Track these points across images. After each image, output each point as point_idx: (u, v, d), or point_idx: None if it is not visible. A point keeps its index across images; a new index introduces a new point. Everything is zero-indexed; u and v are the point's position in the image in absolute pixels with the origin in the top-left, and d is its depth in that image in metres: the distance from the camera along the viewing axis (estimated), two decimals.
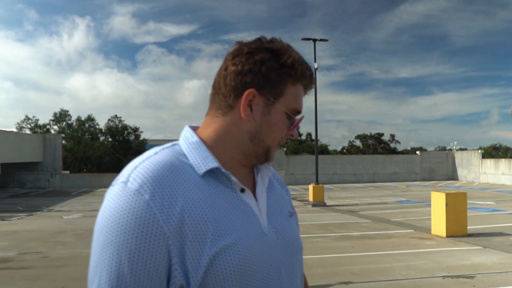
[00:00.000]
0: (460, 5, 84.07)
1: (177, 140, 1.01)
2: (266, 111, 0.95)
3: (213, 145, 0.96)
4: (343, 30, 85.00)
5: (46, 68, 74.88)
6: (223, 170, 0.92)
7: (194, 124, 1.04)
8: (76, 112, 73.31)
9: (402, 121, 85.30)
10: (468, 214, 10.10)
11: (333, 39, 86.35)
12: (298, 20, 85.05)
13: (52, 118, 41.22)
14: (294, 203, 7.67)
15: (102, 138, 41.03)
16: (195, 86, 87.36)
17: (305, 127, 54.32)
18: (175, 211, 0.83)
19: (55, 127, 40.87)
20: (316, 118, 20.67)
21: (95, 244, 0.85)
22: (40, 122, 40.89)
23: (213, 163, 0.91)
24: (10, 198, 22.42)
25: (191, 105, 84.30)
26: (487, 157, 37.65)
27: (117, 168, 36.62)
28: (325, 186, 21.90)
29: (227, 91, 0.95)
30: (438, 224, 9.94)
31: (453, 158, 36.35)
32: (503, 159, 31.74)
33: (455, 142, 39.70)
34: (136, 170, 0.87)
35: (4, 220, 13.43)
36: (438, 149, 55.98)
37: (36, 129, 39.89)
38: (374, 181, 34.73)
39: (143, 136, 42.64)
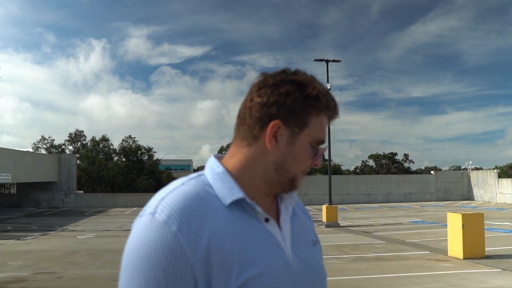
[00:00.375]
0: (472, 24, 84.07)
1: (189, 159, 1.01)
2: (291, 142, 0.96)
3: (238, 175, 0.97)
4: (355, 50, 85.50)
5: (62, 89, 76.47)
6: (248, 200, 0.93)
7: (219, 154, 1.05)
8: (91, 133, 74.50)
9: (415, 141, 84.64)
10: (485, 235, 9.89)
11: (345, 60, 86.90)
12: (310, 41, 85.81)
13: (68, 138, 41.90)
14: None
15: (116, 158, 41.40)
16: (208, 107, 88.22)
17: None
18: (202, 242, 0.84)
19: (70, 147, 41.50)
20: (330, 138, 20.63)
21: (123, 274, 0.86)
22: (56, 143, 41.57)
23: (238, 194, 0.92)
24: (25, 217, 22.62)
25: (204, 126, 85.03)
26: (504, 177, 37.00)
27: (131, 188, 36.86)
28: (339, 206, 21.70)
29: (253, 122, 0.96)
30: (455, 246, 9.75)
31: (469, 178, 35.81)
32: None
33: (470, 162, 39.25)
34: (163, 201, 0.88)
35: (19, 240, 13.53)
36: (452, 168, 55.31)
37: (51, 149, 40.48)
38: (388, 201, 34.30)
39: (156, 156, 42.94)
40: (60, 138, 66.68)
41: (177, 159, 66.67)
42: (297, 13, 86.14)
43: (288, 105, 0.95)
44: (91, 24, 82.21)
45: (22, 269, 8.85)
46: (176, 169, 56.19)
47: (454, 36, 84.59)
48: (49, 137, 42.23)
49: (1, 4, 70.52)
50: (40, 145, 40.91)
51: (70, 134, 42.02)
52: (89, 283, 7.60)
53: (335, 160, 60.62)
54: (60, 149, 40.61)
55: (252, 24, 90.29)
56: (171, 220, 0.84)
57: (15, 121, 73.13)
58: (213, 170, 0.98)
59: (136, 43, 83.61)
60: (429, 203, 32.54)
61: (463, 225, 9.56)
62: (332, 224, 17.20)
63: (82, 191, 34.15)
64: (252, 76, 1.02)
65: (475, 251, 9.50)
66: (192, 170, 62.26)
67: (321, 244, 1.13)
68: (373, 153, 54.64)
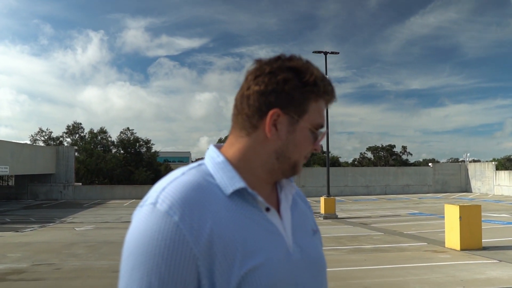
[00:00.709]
0: (471, 16, 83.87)
1: (187, 151, 1.00)
2: (291, 129, 0.96)
3: (238, 165, 0.96)
4: (354, 42, 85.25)
5: (60, 82, 76.19)
6: (249, 190, 0.92)
7: (218, 143, 1.04)
8: (89, 125, 74.30)
9: (414, 133, 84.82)
10: (482, 227, 9.94)
11: (343, 52, 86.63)
12: (308, 33, 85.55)
13: (65, 130, 41.83)
14: None
15: (114, 150, 41.38)
16: (206, 99, 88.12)
17: None
18: (204, 232, 0.84)
19: (68, 139, 41.45)
20: (328, 130, 20.63)
21: (125, 265, 0.85)
22: (54, 135, 41.49)
23: (239, 183, 0.92)
24: (23, 209, 22.65)
25: (202, 118, 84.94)
26: (501, 169, 37.14)
27: (129, 180, 36.89)
28: (337, 198, 21.76)
29: (251, 112, 0.95)
30: (452, 237, 9.80)
31: (466, 170, 35.92)
32: None
33: (468, 154, 39.25)
34: (164, 191, 0.88)
35: (17, 232, 13.56)
36: (450, 160, 55.44)
37: (49, 142, 40.41)
38: (386, 193, 34.41)
39: (154, 148, 42.93)
40: (58, 130, 66.64)
41: (176, 151, 66.82)
42: (296, 4, 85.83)
43: (287, 93, 0.94)
44: (89, 16, 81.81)
45: (21, 260, 8.87)
46: (175, 161, 56.27)
47: (453, 28, 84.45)
48: (47, 129, 42.18)
49: None
50: (38, 137, 40.88)
51: (68, 126, 41.98)
52: (87, 274, 7.63)
53: (334, 152, 60.72)
54: (58, 142, 40.54)
55: (251, 16, 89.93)
56: (172, 210, 0.84)
57: (13, 113, 73.04)
58: (213, 159, 0.97)
59: (134, 34, 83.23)
60: (427, 195, 32.66)
61: (460, 217, 9.60)
62: (330, 215, 17.26)
63: (80, 183, 34.16)
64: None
65: (472, 243, 9.55)
66: (190, 162, 62.27)
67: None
68: (371, 145, 54.77)
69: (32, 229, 14.30)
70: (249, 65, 1.00)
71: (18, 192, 30.21)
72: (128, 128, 42.11)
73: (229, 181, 0.92)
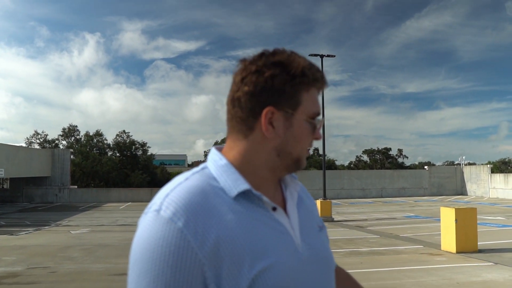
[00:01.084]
0: (466, 20, 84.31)
1: (183, 154, 1.00)
2: (288, 124, 0.94)
3: (240, 167, 0.95)
4: (350, 46, 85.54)
5: (56, 84, 75.96)
6: (254, 191, 0.91)
7: (220, 145, 1.04)
8: (85, 127, 73.98)
9: (409, 136, 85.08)
10: (478, 230, 9.97)
11: (339, 55, 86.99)
12: (304, 36, 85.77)
13: (61, 133, 41.63)
14: None
15: (110, 153, 41.26)
16: (202, 102, 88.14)
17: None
18: (210, 237, 0.83)
19: (64, 142, 41.28)
20: (324, 133, 20.66)
21: (131, 273, 0.85)
22: (49, 137, 41.32)
23: (244, 185, 0.91)
24: (18, 212, 22.52)
25: (198, 120, 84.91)
26: (496, 172, 37.28)
27: (125, 183, 36.78)
28: (333, 201, 21.77)
29: (245, 114, 0.94)
30: (448, 240, 9.83)
31: (462, 173, 36.05)
32: None
33: (464, 157, 39.43)
34: (168, 198, 0.87)
35: (12, 235, 13.47)
36: (446, 163, 55.63)
37: (45, 144, 40.25)
38: (382, 196, 34.48)
39: (150, 151, 42.84)
40: (53, 133, 66.37)
41: (172, 154, 66.61)
42: (292, 8, 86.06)
43: (277, 89, 0.93)
44: (85, 18, 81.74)
45: (16, 264, 8.82)
46: (171, 164, 56.18)
47: (448, 32, 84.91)
48: (42, 132, 42.01)
49: None
50: (33, 140, 40.71)
51: (64, 129, 41.80)
52: (83, 277, 7.59)
53: (330, 155, 60.91)
54: (53, 144, 40.38)
55: (247, 19, 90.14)
56: (176, 216, 0.83)
57: (8, 116, 72.69)
58: (216, 162, 0.96)
59: (131, 37, 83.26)
60: (423, 198, 32.75)
61: (456, 220, 9.63)
62: (326, 218, 17.26)
63: (76, 186, 34.02)
64: None
65: (467, 245, 9.58)
66: (186, 165, 62.23)
67: None
68: (367, 148, 54.87)
69: (27, 232, 14.22)
70: (235, 66, 0.99)
71: (13, 195, 30.04)
72: (124, 131, 42.05)
73: (233, 183, 0.91)
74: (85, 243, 11.59)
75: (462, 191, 35.49)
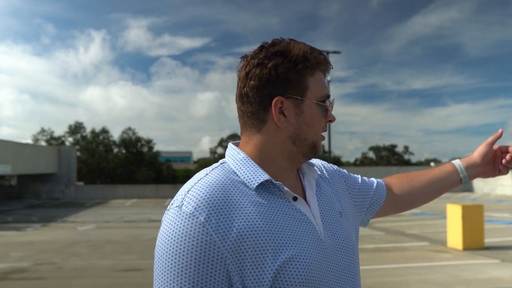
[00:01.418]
0: (473, 16, 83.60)
1: (189, 151, 1.01)
2: (299, 111, 0.96)
3: (258, 159, 0.96)
4: (355, 42, 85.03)
5: (62, 81, 76.04)
6: (274, 181, 0.92)
7: (236, 141, 1.05)
8: (91, 124, 74.39)
9: (415, 133, 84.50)
10: (485, 227, 9.91)
11: (345, 51, 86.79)
12: (310, 33, 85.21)
13: (67, 130, 41.82)
14: None
15: (116, 150, 41.40)
16: (208, 98, 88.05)
17: None
18: (232, 230, 0.84)
19: (70, 139, 41.44)
20: (330, 130, 20.62)
21: (156, 269, 0.87)
22: (55, 134, 41.51)
23: (264, 176, 0.92)
24: (25, 209, 22.68)
25: (204, 117, 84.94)
26: None
27: (131, 179, 36.92)
28: None
29: (255, 108, 0.95)
30: (454, 237, 9.78)
31: None
32: None
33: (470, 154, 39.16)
34: (189, 193, 0.89)
35: (19, 231, 13.58)
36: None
37: (51, 141, 40.48)
38: None
39: (156, 148, 42.95)
40: (60, 130, 66.66)
41: (177, 151, 66.83)
42: (297, 4, 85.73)
43: (282, 78, 0.93)
44: (90, 15, 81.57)
45: (23, 260, 8.88)
46: (176, 161, 56.29)
47: (455, 28, 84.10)
48: (48, 129, 42.26)
49: None
50: (39, 137, 40.91)
51: (70, 126, 41.98)
52: (89, 274, 7.63)
53: (335, 152, 60.76)
54: (60, 141, 40.60)
55: (252, 15, 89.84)
56: (198, 211, 0.85)
57: (15, 113, 72.96)
58: (234, 157, 0.98)
59: (136, 34, 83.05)
60: None
61: (463, 217, 9.58)
62: None
63: (82, 183, 34.21)
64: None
65: (474, 242, 9.53)
66: (192, 162, 62.36)
67: None
68: (373, 145, 54.67)
69: (34, 228, 14.32)
70: (238, 64, 1.00)
71: (20, 191, 30.25)
72: (129, 127, 42.14)
73: (253, 175, 0.92)
74: (91, 239, 11.65)
75: (469, 188, 35.31)
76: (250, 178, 0.92)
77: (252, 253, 0.84)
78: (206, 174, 0.94)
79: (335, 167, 1.22)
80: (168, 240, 0.85)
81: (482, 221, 9.79)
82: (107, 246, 10.51)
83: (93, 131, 41.14)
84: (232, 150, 0.99)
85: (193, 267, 0.82)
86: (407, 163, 50.86)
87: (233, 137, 43.35)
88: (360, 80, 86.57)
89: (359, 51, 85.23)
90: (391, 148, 52.92)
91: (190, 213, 0.84)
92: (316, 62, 0.97)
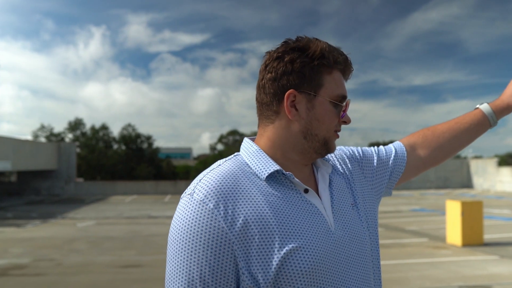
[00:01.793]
0: (474, 12, 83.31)
1: (189, 147, 1.02)
2: (310, 106, 0.97)
3: (271, 152, 0.99)
4: (356, 38, 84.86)
5: (62, 77, 75.99)
6: (284, 172, 0.95)
7: (251, 136, 1.08)
8: (91, 121, 74.40)
9: (416, 129, 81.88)
10: (484, 223, 9.93)
11: (346, 47, 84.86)
12: (310, 29, 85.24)
13: (67, 126, 41.81)
14: None
15: (115, 146, 41.43)
16: (208, 94, 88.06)
17: None
18: (239, 217, 0.87)
19: (70, 135, 41.44)
20: None
21: (168, 253, 0.92)
22: (55, 131, 41.51)
23: (274, 167, 0.95)
24: (25, 205, 22.71)
25: (204, 113, 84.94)
26: (503, 165, 37.03)
27: (130, 176, 36.95)
28: None
29: (269, 99, 0.98)
30: (454, 233, 9.79)
31: (468, 166, 35.86)
32: None
33: (470, 150, 39.15)
34: (200, 182, 0.93)
35: (19, 227, 13.59)
36: (452, 157, 55.36)
37: (51, 138, 40.47)
38: None
39: (156, 144, 42.97)
40: (59, 126, 66.66)
41: (177, 147, 66.80)
42: (298, 0, 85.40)
43: (297, 72, 0.96)
44: (90, 11, 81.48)
45: (23, 256, 8.90)
46: (176, 157, 56.31)
47: (456, 24, 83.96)
48: (48, 125, 42.22)
49: None
50: (39, 133, 40.92)
51: (70, 122, 41.97)
52: (89, 270, 7.65)
53: None
54: (60, 138, 40.60)
55: (253, 11, 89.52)
56: (207, 198, 0.89)
57: (15, 109, 73.13)
58: (247, 149, 1.01)
59: (137, 29, 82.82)
60: (429, 191, 32.64)
61: (462, 213, 9.59)
62: None
63: (82, 179, 34.22)
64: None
65: (473, 239, 9.54)
66: (192, 158, 62.36)
67: None
68: (373, 141, 54.65)
69: (34, 224, 14.34)
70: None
71: (20, 187, 30.27)
72: (129, 124, 42.22)
73: (264, 166, 0.95)
74: (91, 236, 11.67)
75: (469, 184, 35.32)
76: (260, 169, 0.95)
77: (259, 240, 0.87)
78: (219, 165, 0.97)
79: (351, 151, 1.21)
80: (179, 226, 0.89)
81: (481, 217, 9.80)
82: (107, 242, 10.52)
83: (93, 128, 41.14)
84: (246, 143, 1.03)
85: (202, 252, 0.86)
86: None
87: (233, 133, 43.38)
88: (361, 76, 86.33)
89: (360, 47, 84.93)
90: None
91: (200, 200, 0.89)
92: (334, 61, 0.98)
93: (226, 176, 0.93)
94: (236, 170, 0.95)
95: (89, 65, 78.65)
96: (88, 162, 36.76)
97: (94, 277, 7.16)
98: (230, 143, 44.00)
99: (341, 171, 1.13)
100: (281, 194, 0.93)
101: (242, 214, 0.87)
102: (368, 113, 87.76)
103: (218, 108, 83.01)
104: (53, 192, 30.41)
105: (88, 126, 42.04)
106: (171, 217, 16.09)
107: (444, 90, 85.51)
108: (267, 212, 0.89)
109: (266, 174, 0.93)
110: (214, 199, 0.88)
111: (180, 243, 0.88)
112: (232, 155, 1.02)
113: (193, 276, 0.86)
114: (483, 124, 1.29)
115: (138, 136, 41.31)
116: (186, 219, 0.88)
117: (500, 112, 1.29)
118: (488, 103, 1.31)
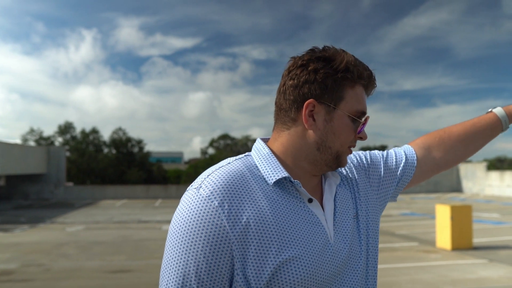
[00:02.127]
0: (463, 17, 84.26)
1: (180, 151, 1.02)
2: (328, 118, 0.97)
3: (282, 157, 0.99)
4: (347, 42, 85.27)
5: (52, 81, 75.35)
6: (292, 179, 0.94)
7: (265, 137, 1.07)
8: (81, 124, 73.89)
9: (406, 133, 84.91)
10: (473, 227, 10.00)
11: None
12: (302, 33, 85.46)
13: (57, 130, 41.45)
14: None
15: (106, 150, 41.14)
16: (200, 98, 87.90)
17: None
18: (242, 219, 0.87)
19: (60, 139, 41.09)
20: None
21: (167, 244, 0.92)
22: (45, 134, 41.11)
23: (282, 173, 0.94)
24: (13, 209, 22.43)
25: (195, 117, 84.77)
26: (492, 169, 37.43)
27: (121, 180, 36.70)
28: None
29: (288, 106, 0.98)
30: (443, 237, 9.85)
31: (458, 170, 36.17)
32: (508, 171, 31.51)
33: None
34: (208, 178, 0.93)
35: (7, 232, 13.42)
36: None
37: (40, 141, 40.09)
38: None
39: (147, 148, 42.75)
40: (49, 130, 66.16)
41: (168, 151, 66.49)
42: (290, 4, 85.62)
43: (319, 82, 0.95)
44: (81, 14, 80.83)
45: (10, 261, 8.78)
46: (167, 161, 56.08)
47: (445, 29, 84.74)
48: (38, 129, 41.89)
49: None
50: (28, 137, 40.50)
51: (60, 126, 41.62)
52: (78, 275, 7.56)
53: None
54: (49, 141, 40.23)
55: (244, 15, 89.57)
56: (213, 195, 0.88)
57: (4, 113, 72.18)
58: (259, 151, 1.00)
59: (128, 33, 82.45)
60: (419, 195, 32.84)
61: (452, 217, 9.66)
62: None
63: (71, 183, 33.91)
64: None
65: (463, 243, 9.61)
66: (183, 162, 62.13)
67: None
68: (364, 146, 54.92)
69: (22, 229, 14.17)
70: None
71: (8, 192, 29.92)
72: (120, 127, 41.91)
73: (273, 171, 0.95)
74: (81, 240, 11.55)
75: (458, 188, 35.62)
76: (269, 174, 0.95)
77: (257, 244, 0.87)
78: (229, 163, 0.97)
79: (358, 158, 1.18)
80: (182, 218, 0.89)
81: (470, 221, 9.88)
82: (96, 247, 10.42)
83: (83, 131, 40.84)
84: (258, 145, 1.02)
85: (201, 247, 0.86)
86: None
87: (224, 138, 43.28)
88: None
89: (351, 51, 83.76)
90: (382, 149, 53.16)
91: (206, 196, 0.88)
92: (358, 76, 0.97)
93: (235, 175, 0.92)
94: (245, 171, 0.94)
95: (79, 68, 78.15)
96: (78, 166, 36.45)
97: (83, 283, 7.08)
98: (221, 147, 43.89)
99: (347, 180, 1.13)
100: (285, 201, 0.93)
101: (245, 216, 0.87)
102: None
103: (210, 112, 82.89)
104: (42, 197, 30.09)
105: (78, 129, 41.79)
106: (161, 222, 16.08)
107: (434, 95, 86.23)
108: (269, 218, 0.89)
109: (274, 180, 0.93)
110: (220, 197, 0.88)
111: (181, 235, 0.88)
112: (243, 155, 1.02)
113: (189, 270, 0.86)
114: (496, 128, 1.30)
115: (129, 140, 41.07)
116: (190, 212, 0.88)
117: None
118: (501, 107, 1.33)
